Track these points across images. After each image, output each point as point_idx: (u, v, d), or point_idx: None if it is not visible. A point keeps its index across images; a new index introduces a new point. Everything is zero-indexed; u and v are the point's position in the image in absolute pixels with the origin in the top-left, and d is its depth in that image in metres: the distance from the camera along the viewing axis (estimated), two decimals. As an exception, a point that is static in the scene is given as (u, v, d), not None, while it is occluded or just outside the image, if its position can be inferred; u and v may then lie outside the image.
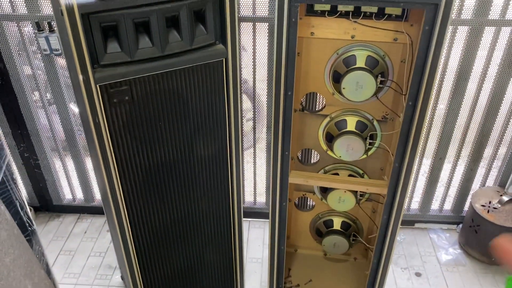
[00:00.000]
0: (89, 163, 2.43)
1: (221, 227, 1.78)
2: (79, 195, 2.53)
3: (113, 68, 1.23)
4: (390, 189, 1.57)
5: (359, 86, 1.53)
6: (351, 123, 1.70)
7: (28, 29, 2.05)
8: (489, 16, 1.79)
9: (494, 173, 2.30)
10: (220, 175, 1.63)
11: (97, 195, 2.53)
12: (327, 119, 1.73)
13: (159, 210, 1.58)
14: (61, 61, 2.16)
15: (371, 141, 1.69)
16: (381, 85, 1.55)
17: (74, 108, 2.29)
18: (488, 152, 2.20)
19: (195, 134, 1.48)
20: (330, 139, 1.73)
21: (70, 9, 1.09)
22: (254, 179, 2.41)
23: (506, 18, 1.80)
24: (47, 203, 2.50)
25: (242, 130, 1.61)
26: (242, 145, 1.64)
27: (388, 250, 1.69)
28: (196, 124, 1.46)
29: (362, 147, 1.65)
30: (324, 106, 1.71)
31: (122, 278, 2.09)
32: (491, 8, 1.78)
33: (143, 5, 1.18)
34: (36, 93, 2.27)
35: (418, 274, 2.16)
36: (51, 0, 1.46)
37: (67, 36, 1.16)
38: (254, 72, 2.03)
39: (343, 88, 1.55)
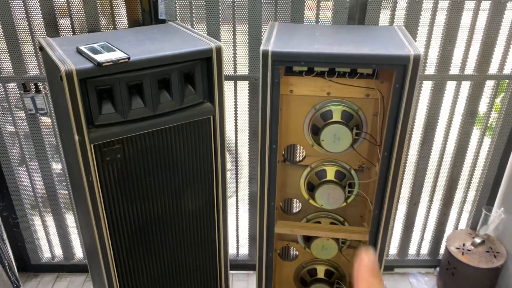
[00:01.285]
0: (69, 220, 2.41)
1: (208, 281, 1.79)
2: (58, 252, 2.48)
3: (107, 128, 1.29)
4: (371, 235, 1.65)
5: (337, 138, 1.63)
6: (330, 173, 1.79)
7: (13, 86, 2.09)
8: (450, 71, 1.97)
9: (465, 216, 2.41)
10: (206, 228, 1.67)
11: (77, 253, 2.49)
12: (308, 169, 1.81)
13: (147, 264, 1.59)
14: (45, 120, 2.19)
15: (349, 189, 1.78)
16: (356, 137, 1.65)
17: (55, 165, 2.30)
18: (458, 196, 2.33)
19: (183, 188, 1.54)
20: (311, 188, 1.81)
21: (69, 74, 1.16)
22: (236, 231, 2.44)
23: (465, 73, 1.98)
24: (25, 263, 2.44)
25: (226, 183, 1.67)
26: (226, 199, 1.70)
27: None
28: (184, 178, 1.52)
29: (342, 196, 1.74)
30: (304, 157, 1.80)
31: (105, 338, 2.03)
32: (451, 64, 1.96)
33: (136, 70, 1.27)
34: (18, 150, 2.27)
35: (401, 319, 2.20)
36: (44, 64, 1.53)
37: (63, 99, 1.22)
38: (236, 126, 2.11)
39: (322, 140, 1.65)
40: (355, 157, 1.77)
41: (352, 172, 1.79)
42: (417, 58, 1.31)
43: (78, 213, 1.73)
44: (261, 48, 1.37)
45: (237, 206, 2.37)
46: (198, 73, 1.39)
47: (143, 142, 1.37)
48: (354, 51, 1.35)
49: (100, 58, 1.20)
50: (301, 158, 1.83)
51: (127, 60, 1.22)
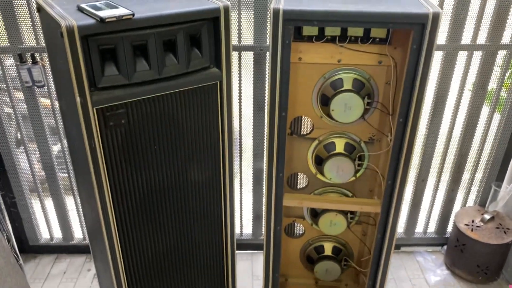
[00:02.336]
0: (69, 202, 2.35)
1: (214, 256, 1.74)
2: (57, 234, 2.42)
3: (110, 91, 1.22)
4: (383, 207, 1.59)
5: (348, 107, 1.57)
6: (339, 145, 1.73)
7: (10, 61, 2.01)
8: (462, 41, 1.91)
9: (474, 193, 2.37)
10: (213, 201, 1.61)
11: (76, 234, 2.43)
12: (316, 142, 1.76)
13: (151, 239, 1.54)
14: (44, 101, 2.12)
15: (359, 162, 1.72)
16: (367, 107, 1.60)
17: (54, 147, 2.24)
18: (467, 172, 2.28)
19: (190, 158, 1.47)
20: (319, 162, 1.76)
21: (70, 31, 1.09)
22: (240, 210, 2.39)
23: (477, 43, 1.92)
24: (23, 244, 2.37)
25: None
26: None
27: (384, 269, 1.69)
28: (190, 147, 1.45)
29: (352, 168, 1.68)
30: (312, 130, 1.74)
31: (107, 318, 1.98)
32: (463, 34, 1.90)
33: (141, 28, 1.20)
34: (15, 130, 2.20)
35: (409, 297, 2.16)
36: (42, 26, 1.45)
37: (64, 60, 1.15)
38: (240, 99, 2.05)
39: (332, 110, 1.59)
40: (365, 129, 1.71)
41: (362, 144, 1.74)
42: (436, 17, 1.25)
43: (79, 187, 1.66)
44: (272, 6, 1.30)
45: (240, 184, 2.32)
46: (205, 35, 1.32)
47: (148, 107, 1.31)
48: (370, 9, 1.28)
49: (103, 14, 1.13)
50: (308, 131, 1.77)
51: (131, 16, 1.15)
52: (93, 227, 1.58)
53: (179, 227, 1.58)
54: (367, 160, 1.75)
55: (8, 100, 2.02)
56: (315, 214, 1.88)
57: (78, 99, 1.17)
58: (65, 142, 2.14)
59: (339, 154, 1.70)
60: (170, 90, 1.31)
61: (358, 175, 1.79)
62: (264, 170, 1.58)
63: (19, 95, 2.05)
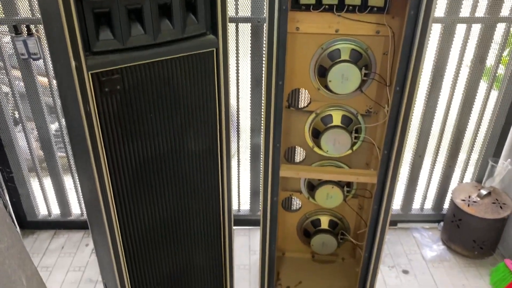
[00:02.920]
0: (67, 180, 2.35)
1: (211, 228, 1.75)
2: (55, 210, 2.42)
3: (105, 55, 1.21)
4: (379, 177, 1.60)
5: (345, 78, 1.57)
6: (336, 118, 1.73)
7: (7, 39, 2.00)
8: (460, 13, 1.89)
9: (471, 169, 2.37)
10: (210, 172, 1.61)
11: (74, 210, 2.44)
12: (313, 115, 1.75)
13: (148, 209, 1.54)
14: (42, 79, 2.11)
15: (356, 134, 1.72)
16: (365, 78, 1.59)
17: (52, 125, 2.23)
18: (464, 148, 2.28)
19: (186, 127, 1.47)
20: (316, 135, 1.76)
21: (64, -9, 1.08)
22: (238, 187, 2.39)
23: (476, 16, 1.90)
24: (21, 220, 2.38)
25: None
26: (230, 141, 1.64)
27: (380, 241, 1.70)
28: (187, 116, 1.45)
29: (349, 140, 1.68)
30: (310, 102, 1.74)
31: (105, 290, 1.99)
32: (462, 6, 1.88)
33: (136, -9, 1.18)
34: (12, 106, 2.19)
35: (405, 272, 2.17)
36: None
37: (59, 22, 1.14)
38: (237, 71, 2.04)
39: (329, 81, 1.58)
40: (362, 102, 1.71)
41: (359, 117, 1.73)
42: (434, -19, 1.23)
43: (76, 160, 1.66)
44: (269, -29, 1.29)
45: (238, 161, 2.32)
46: (201, 1, 1.31)
47: (143, 73, 1.30)
48: (367, -26, 1.27)
49: (96, -25, 1.12)
50: (306, 104, 1.76)
51: (125, -22, 1.13)
52: (90, 198, 1.58)
53: (176, 197, 1.58)
54: (363, 133, 1.75)
55: (5, 78, 2.01)
56: (312, 188, 1.89)
57: (73, 63, 1.16)
58: (63, 120, 2.14)
59: (336, 126, 1.70)
60: (165, 56, 1.30)
61: (354, 148, 1.80)
62: (261, 142, 1.57)
63: (17, 73, 2.04)
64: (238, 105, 2.19)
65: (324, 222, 2.00)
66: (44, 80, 2.14)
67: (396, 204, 2.45)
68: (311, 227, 2.01)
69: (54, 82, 2.03)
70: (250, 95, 2.10)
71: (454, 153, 2.27)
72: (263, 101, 1.52)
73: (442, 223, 2.40)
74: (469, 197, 2.19)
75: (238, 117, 2.23)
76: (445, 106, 2.16)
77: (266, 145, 1.57)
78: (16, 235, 1.03)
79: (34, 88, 2.04)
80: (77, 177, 2.22)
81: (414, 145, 2.24)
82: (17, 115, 2.19)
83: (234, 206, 2.45)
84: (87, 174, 1.45)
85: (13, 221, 1.61)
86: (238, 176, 2.36)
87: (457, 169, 2.34)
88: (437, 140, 2.25)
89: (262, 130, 1.56)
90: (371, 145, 1.77)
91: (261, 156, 1.60)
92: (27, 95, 2.06)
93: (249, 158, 2.29)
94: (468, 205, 2.15)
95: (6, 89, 2.13)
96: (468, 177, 2.39)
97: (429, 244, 2.32)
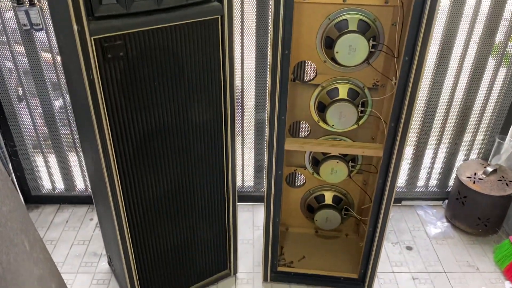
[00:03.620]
0: (71, 157, 2.34)
1: (215, 201, 1.74)
2: (59, 184, 2.43)
3: (108, 20, 1.19)
4: (386, 150, 1.58)
5: (352, 49, 1.54)
6: (343, 91, 1.71)
7: (9, 14, 1.97)
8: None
9: (477, 147, 2.35)
10: (214, 143, 1.60)
11: (79, 184, 2.44)
12: (319, 88, 1.73)
13: (152, 181, 1.53)
14: (45, 55, 2.09)
15: (362, 108, 1.70)
16: (372, 49, 1.56)
17: (56, 102, 2.21)
18: (471, 125, 2.25)
19: (190, 96, 1.45)
20: (322, 109, 1.73)
21: (65, -48, 1.05)
22: (242, 164, 2.38)
23: (487, -12, 1.86)
24: (24, 194, 2.39)
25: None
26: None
27: (384, 216, 1.69)
28: (191, 86, 1.43)
29: (355, 114, 1.66)
30: (316, 75, 1.71)
31: (109, 263, 2.00)
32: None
33: (139, -46, 1.15)
34: (16, 82, 2.18)
35: (409, 248, 2.17)
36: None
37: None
38: (242, 43, 2.01)
39: (336, 53, 1.55)
40: (369, 75, 1.68)
41: (366, 90, 1.71)
42: None
43: (80, 132, 1.65)
44: None
45: (242, 137, 2.30)
46: (206, -36, 1.28)
47: (146, 40, 1.27)
48: None
49: None
50: (312, 77, 1.73)
51: None
52: (94, 169, 1.57)
53: (180, 170, 1.57)
54: (370, 107, 1.73)
55: (8, 54, 1.99)
56: (316, 163, 1.87)
57: (75, 27, 1.14)
58: (67, 97, 2.12)
59: (342, 100, 1.67)
60: (169, 22, 1.27)
61: (360, 122, 1.77)
62: (266, 115, 1.55)
63: (20, 49, 2.02)
64: (242, 81, 2.17)
65: (328, 197, 1.99)
66: (48, 56, 2.12)
67: (401, 181, 2.44)
68: (315, 203, 2.01)
69: (58, 58, 2.01)
70: (255, 70, 2.08)
71: (461, 130, 2.25)
72: (268, 72, 1.49)
73: (446, 201, 2.38)
74: (475, 174, 2.17)
75: (242, 93, 2.21)
76: (453, 81, 2.12)
77: (271, 118, 1.55)
78: (19, 201, 1.02)
79: (38, 64, 2.02)
80: (81, 154, 2.22)
81: (420, 121, 2.22)
82: (20, 92, 2.18)
83: (238, 183, 2.44)
84: (91, 144, 1.44)
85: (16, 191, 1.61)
86: (242, 153, 2.35)
87: (463, 146, 2.32)
88: (443, 116, 2.22)
89: (267, 102, 1.53)
90: (377, 119, 1.75)
91: (266, 130, 1.58)
92: (31, 71, 2.04)
93: (254, 135, 2.27)
94: (474, 182, 2.13)
95: (9, 64, 2.11)
96: (474, 155, 2.37)
97: (433, 222, 2.31)
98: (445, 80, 2.10)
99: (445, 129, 2.26)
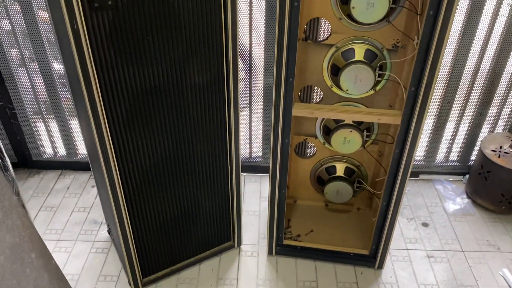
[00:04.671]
0: (73, 122, 2.25)
1: (217, 169, 1.63)
2: (61, 150, 2.34)
3: (93, -38, 1.05)
4: (404, 116, 1.43)
5: (370, 4, 1.37)
6: (359, 53, 1.55)
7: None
8: None
9: (504, 118, 2.17)
10: (216, 107, 1.48)
11: (81, 150, 2.36)
12: (333, 49, 1.57)
13: (148, 145, 1.42)
14: (42, 14, 1.98)
15: (380, 72, 1.54)
16: (393, 5, 1.39)
17: (55, 65, 2.10)
18: (498, 95, 2.08)
19: (189, 53, 1.32)
20: (335, 72, 1.59)
21: None
22: (250, 133, 2.26)
23: None
24: (25, 159, 2.31)
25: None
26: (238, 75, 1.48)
27: (400, 189, 1.56)
28: (189, 41, 1.29)
29: (372, 78, 1.50)
30: (330, 35, 1.56)
31: (109, 232, 1.93)
32: None
33: None
34: (12, 41, 2.07)
35: (425, 224, 2.04)
36: None
37: None
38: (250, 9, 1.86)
39: (353, 8, 1.39)
40: (388, 34, 1.52)
41: (385, 52, 1.55)
42: None
43: (73, 90, 1.54)
44: None
45: (250, 104, 2.17)
46: None
47: (138, -13, 1.14)
48: None
49: None
50: (325, 36, 1.58)
51: None
52: (87, 132, 1.46)
53: (178, 133, 1.46)
54: (389, 70, 1.58)
55: (4, 12, 1.89)
56: (328, 132, 1.74)
57: (54, -32, 1.01)
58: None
59: (358, 61, 1.52)
60: (163, -34, 1.13)
61: (378, 87, 1.63)
62: (273, 76, 1.41)
63: (15, 7, 1.90)
64: (250, 44, 2.02)
65: (340, 169, 1.87)
66: (45, 14, 2.00)
67: (419, 154, 2.29)
68: (326, 175, 1.88)
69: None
70: (264, 31, 1.92)
71: (487, 100, 2.07)
72: (276, 28, 1.34)
73: (467, 176, 2.23)
74: (500, 147, 2.01)
75: (250, 56, 2.06)
76: (481, 46, 1.94)
77: (278, 80, 1.41)
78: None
79: (35, 24, 1.91)
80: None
81: (443, 89, 2.05)
82: (17, 54, 2.07)
83: (246, 152, 2.33)
84: (81, 104, 1.33)
85: (4, 159, 1.52)
86: (250, 122, 2.22)
87: (487, 119, 2.15)
88: (469, 84, 2.05)
89: (274, 61, 1.39)
90: (396, 85, 1.60)
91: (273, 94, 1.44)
92: (27, 30, 1.93)
93: (262, 103, 2.13)
94: (499, 156, 1.98)
95: (6, 25, 1.99)
96: (500, 127, 2.20)
97: (452, 197, 2.17)
98: (473, 45, 1.91)
99: (470, 98, 2.09)
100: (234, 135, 1.57)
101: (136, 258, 1.64)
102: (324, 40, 1.57)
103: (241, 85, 2.23)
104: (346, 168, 1.87)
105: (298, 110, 1.50)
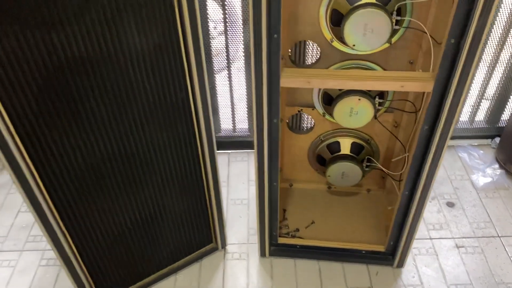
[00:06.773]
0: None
1: (184, 158, 1.23)
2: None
3: None
4: (439, 81, 1.01)
5: None
6: (368, -8, 1.11)
7: None
8: None
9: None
10: (171, 79, 1.05)
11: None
12: (332, -12, 1.13)
13: (77, 141, 1.01)
14: None
15: (398, 17, 1.12)
16: None
17: None
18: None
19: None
20: (337, 21, 1.16)
21: None
22: (231, 101, 1.85)
23: None
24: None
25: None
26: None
27: (429, 177, 1.18)
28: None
29: (388, 26, 1.08)
30: (327, -32, 1.12)
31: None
32: None
33: None
34: None
35: (450, 204, 1.68)
36: None
37: None
38: None
39: None
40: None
41: (404, -10, 1.11)
42: None
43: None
44: None
45: (228, 68, 1.74)
46: None
47: None
48: None
49: None
50: (321, -28, 1.14)
51: None
52: None
53: (119, 122, 1.05)
54: (409, 15, 1.15)
55: None
56: (329, 101, 1.33)
57: None
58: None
59: (368, 4, 1.08)
60: None
61: (394, 39, 1.21)
62: (250, 35, 0.98)
63: None
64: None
65: (345, 145, 1.48)
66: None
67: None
68: (327, 153, 1.49)
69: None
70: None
71: (525, 46, 1.66)
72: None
73: (497, 139, 1.85)
74: (543, 105, 1.62)
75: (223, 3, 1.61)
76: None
77: (257, 36, 0.98)
78: None
79: None
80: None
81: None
82: None
83: (229, 126, 1.92)
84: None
85: None
86: (231, 87, 1.81)
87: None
88: (504, 27, 1.62)
89: (249, 10, 0.96)
90: (418, 34, 1.18)
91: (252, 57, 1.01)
92: None
93: (244, 62, 1.71)
94: (542, 117, 1.59)
95: None
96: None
97: (480, 168, 1.80)
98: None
99: (504, 46, 1.66)
100: (203, 112, 1.16)
101: (89, 278, 1.27)
102: (319, -24, 1.13)
103: (218, 41, 1.78)
104: (353, 144, 1.47)
105: (289, 79, 1.07)
